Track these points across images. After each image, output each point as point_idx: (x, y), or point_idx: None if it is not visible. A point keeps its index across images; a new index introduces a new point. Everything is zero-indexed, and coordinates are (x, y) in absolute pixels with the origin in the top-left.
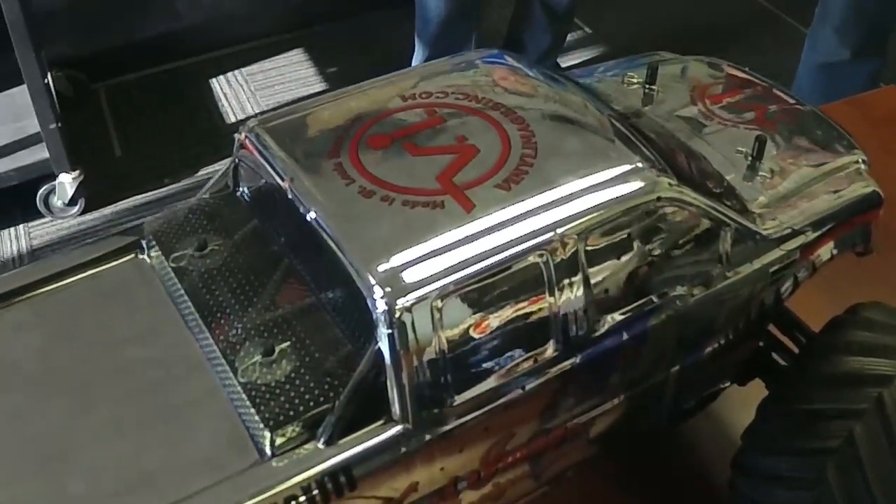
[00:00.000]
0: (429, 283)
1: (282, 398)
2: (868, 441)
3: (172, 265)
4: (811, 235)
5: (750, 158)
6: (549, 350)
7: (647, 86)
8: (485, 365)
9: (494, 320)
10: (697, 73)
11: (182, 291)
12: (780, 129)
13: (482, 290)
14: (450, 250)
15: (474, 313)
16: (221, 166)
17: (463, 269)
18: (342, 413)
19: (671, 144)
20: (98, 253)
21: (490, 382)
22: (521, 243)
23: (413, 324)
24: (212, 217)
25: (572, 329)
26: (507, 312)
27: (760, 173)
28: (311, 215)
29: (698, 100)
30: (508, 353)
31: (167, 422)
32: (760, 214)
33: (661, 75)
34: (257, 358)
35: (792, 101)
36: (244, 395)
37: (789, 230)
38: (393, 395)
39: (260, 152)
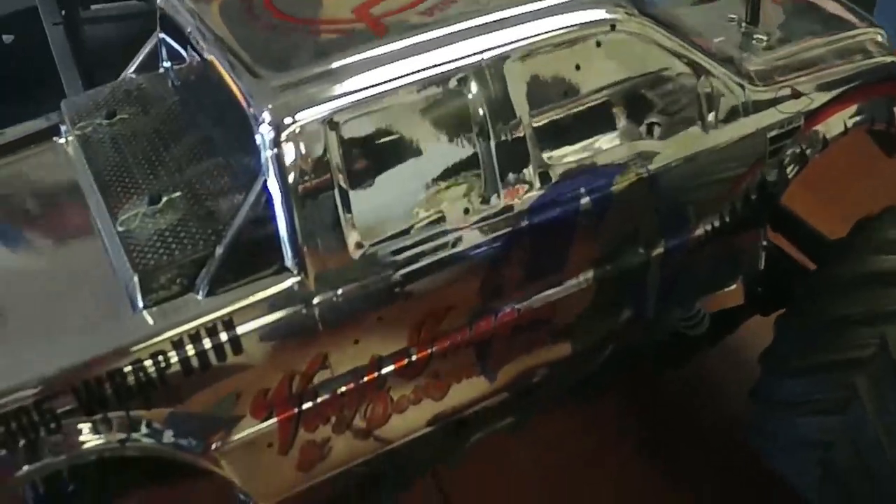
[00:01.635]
0: (323, 103)
1: (158, 246)
2: None
3: (77, 133)
4: (816, 100)
5: (743, 24)
6: (481, 196)
7: None
8: (396, 210)
9: (408, 154)
10: None
11: (84, 160)
12: (785, 2)
13: (390, 117)
14: (352, 73)
15: (382, 145)
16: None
17: (365, 92)
18: (224, 259)
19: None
20: (14, 137)
21: (407, 231)
22: (440, 66)
23: (304, 148)
24: (130, 92)
25: (510, 173)
26: (425, 145)
27: (756, 37)
28: (208, 52)
29: None
30: (429, 197)
31: (50, 284)
32: (753, 74)
33: None
34: (141, 209)
35: None
36: (120, 245)
37: (788, 91)
38: (283, 238)
39: (171, 8)
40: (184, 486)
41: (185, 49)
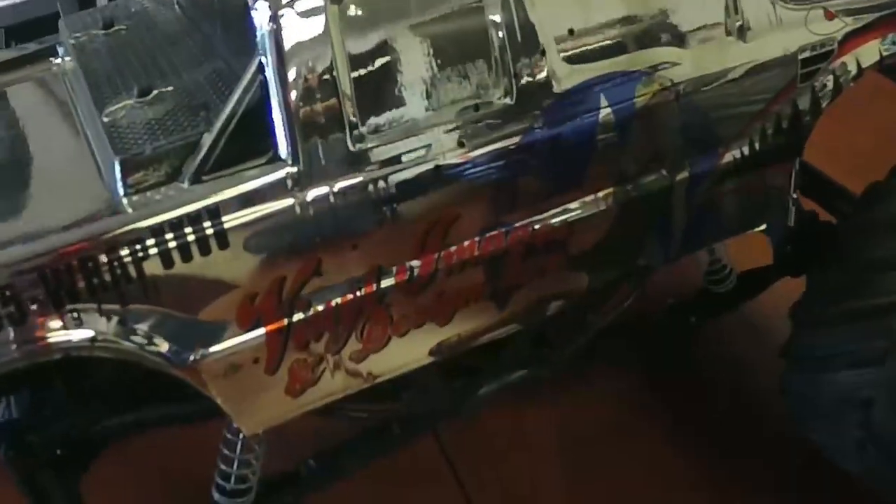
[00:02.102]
0: None
1: (143, 133)
2: None
3: (72, 41)
4: (850, 24)
5: None
6: (496, 94)
7: None
8: (406, 99)
9: (416, 40)
10: None
11: (77, 65)
12: None
13: (400, 2)
14: None
15: (387, 26)
16: None
17: None
18: (213, 145)
19: None
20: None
21: (413, 124)
22: None
23: (303, 22)
24: (130, 7)
25: (525, 73)
26: (434, 38)
27: None
28: None
29: None
30: (439, 92)
31: (29, 177)
32: None
33: None
34: (129, 101)
35: None
36: (104, 135)
37: (821, 12)
38: (277, 124)
39: None
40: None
41: None
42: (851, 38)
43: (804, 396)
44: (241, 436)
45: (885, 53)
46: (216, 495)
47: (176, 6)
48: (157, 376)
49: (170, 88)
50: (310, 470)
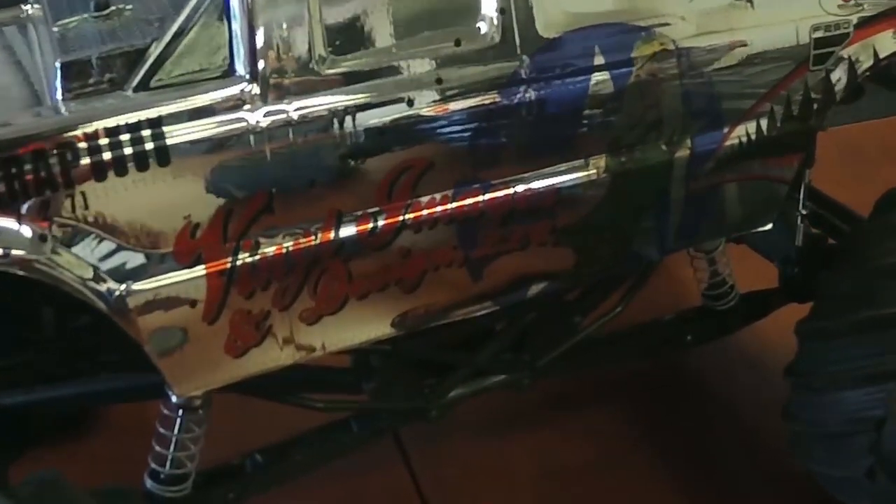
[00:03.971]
0: None
1: (91, 42)
2: None
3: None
4: (868, 8)
5: None
6: (480, 28)
7: None
8: (380, 24)
9: None
10: None
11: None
12: None
13: None
14: None
15: None
16: None
17: None
18: (163, 52)
19: None
20: None
21: (385, 55)
22: None
23: None
24: None
25: (515, 7)
26: None
27: None
28: None
29: None
30: (417, 18)
31: None
32: None
33: None
34: (84, 15)
35: None
36: (54, 46)
37: None
38: (236, 34)
39: None
40: None
41: None
42: (868, 24)
43: (809, 420)
44: (180, 412)
45: None
46: (148, 482)
47: None
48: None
49: (129, 7)
50: (255, 464)
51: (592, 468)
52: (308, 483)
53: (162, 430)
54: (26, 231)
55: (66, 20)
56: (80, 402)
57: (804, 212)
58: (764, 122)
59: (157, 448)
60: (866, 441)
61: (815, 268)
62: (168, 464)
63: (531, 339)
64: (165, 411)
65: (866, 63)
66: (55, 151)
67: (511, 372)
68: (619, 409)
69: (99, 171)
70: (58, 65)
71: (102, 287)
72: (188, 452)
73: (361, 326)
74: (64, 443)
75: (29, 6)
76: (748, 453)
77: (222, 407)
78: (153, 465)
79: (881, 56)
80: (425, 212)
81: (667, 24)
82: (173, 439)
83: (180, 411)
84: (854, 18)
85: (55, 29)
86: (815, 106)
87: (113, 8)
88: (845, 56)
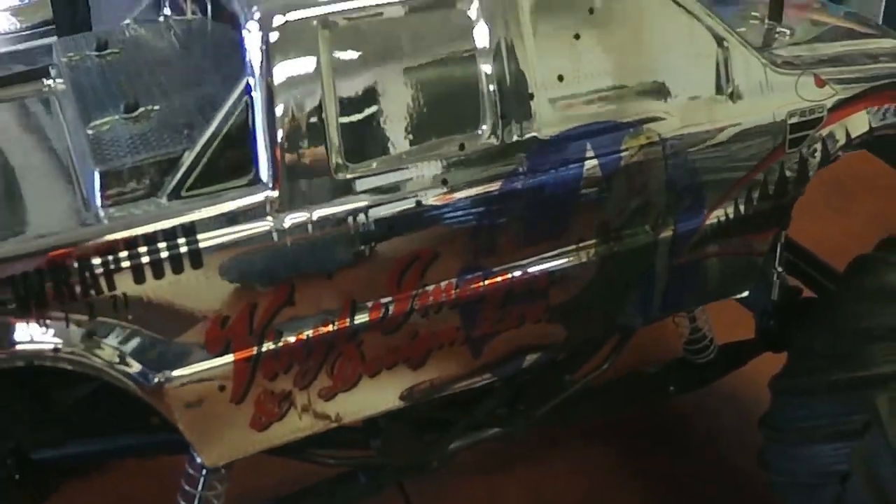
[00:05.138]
0: (315, 6)
1: (126, 147)
2: None
3: (64, 60)
4: (841, 93)
5: (766, 21)
6: (483, 134)
7: None
8: (391, 135)
9: (406, 75)
10: None
11: (69, 84)
12: (813, 13)
13: (391, 31)
14: None
15: (380, 60)
16: None
17: None
18: (193, 161)
19: None
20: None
21: (397, 161)
22: None
23: (293, 48)
24: (124, 33)
25: (514, 117)
26: (425, 69)
27: (779, 30)
28: None
29: None
30: (425, 127)
31: (9, 185)
32: (776, 59)
33: None
34: (115, 116)
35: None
36: (87, 148)
37: (812, 79)
38: (260, 146)
39: None
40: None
41: (185, 1)
42: (841, 107)
43: (782, 469)
44: (203, 471)
45: (874, 125)
46: None
47: (171, 32)
48: (120, 405)
49: (156, 107)
50: None
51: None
52: None
53: (187, 487)
54: (74, 330)
55: (99, 121)
56: (109, 457)
57: (780, 269)
58: (742, 203)
59: (182, 503)
60: (833, 492)
61: (791, 321)
62: None
63: (524, 396)
64: (190, 470)
65: (840, 142)
66: (99, 258)
67: (506, 425)
68: (607, 447)
69: (138, 275)
70: (97, 174)
71: (140, 376)
72: None
73: (373, 400)
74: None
75: (51, 80)
76: (731, 489)
77: (241, 460)
78: None
79: (853, 136)
80: (431, 298)
81: (652, 120)
82: (197, 496)
83: (204, 471)
84: (828, 102)
85: (90, 132)
86: (790, 184)
87: (142, 109)
88: (819, 137)
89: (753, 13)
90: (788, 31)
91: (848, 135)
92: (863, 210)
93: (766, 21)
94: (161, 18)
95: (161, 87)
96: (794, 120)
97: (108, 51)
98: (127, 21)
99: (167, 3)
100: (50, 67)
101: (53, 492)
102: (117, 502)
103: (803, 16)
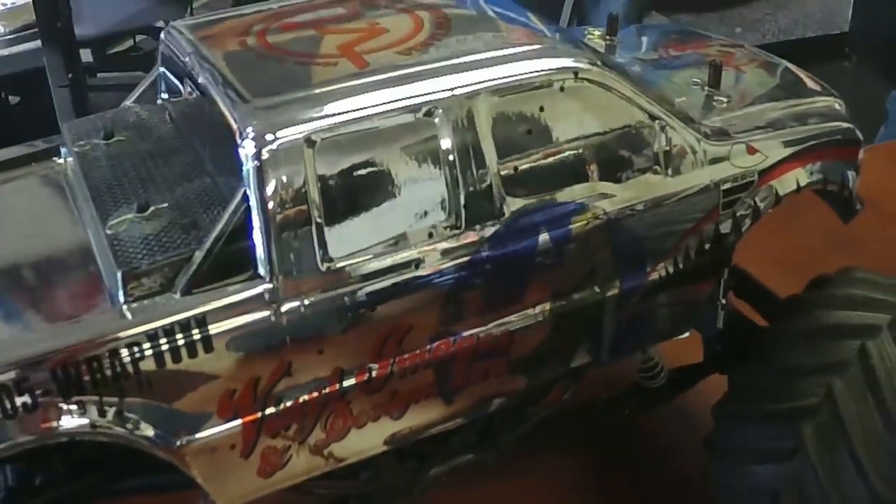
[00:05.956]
0: (302, 124)
1: (142, 248)
2: (850, 396)
3: (76, 150)
4: (770, 158)
5: (706, 88)
6: (446, 223)
7: (608, 37)
8: (366, 229)
9: (380, 180)
10: (662, 32)
11: (80, 173)
12: (749, 72)
13: (365, 142)
14: (332, 99)
15: (356, 167)
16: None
17: (342, 115)
18: (202, 262)
19: (612, 62)
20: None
21: (373, 250)
22: (412, 98)
23: (282, 165)
24: (128, 118)
25: (475, 204)
26: (395, 171)
27: (716, 98)
28: (202, 78)
29: (661, 48)
30: (395, 222)
31: (37, 281)
32: (711, 132)
33: (624, 33)
34: (129, 216)
35: (766, 56)
36: (108, 247)
37: (743, 147)
38: (258, 246)
39: (171, 43)
40: None
41: (182, 83)
42: (770, 170)
43: (723, 485)
44: None
45: (802, 183)
46: None
47: (169, 117)
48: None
49: (164, 205)
50: None
51: None
52: None
53: None
54: (108, 409)
55: (116, 220)
56: (132, 493)
57: (723, 301)
58: (680, 260)
59: None
60: None
61: (734, 346)
62: None
63: (493, 427)
64: None
65: (769, 202)
66: (126, 349)
67: (478, 453)
68: (573, 464)
69: (160, 361)
70: (119, 275)
71: (164, 441)
72: None
73: (360, 446)
74: None
75: (61, 160)
76: (683, 499)
77: None
78: None
79: (782, 194)
80: (409, 362)
81: (598, 198)
82: None
83: None
84: (759, 167)
85: (109, 231)
86: (724, 241)
87: (153, 208)
88: (750, 199)
89: (695, 79)
90: (725, 100)
91: (777, 194)
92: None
93: (706, 88)
94: (159, 101)
95: (165, 179)
96: (728, 186)
97: (115, 139)
98: (127, 103)
99: (164, 87)
100: (60, 146)
101: None
102: None
103: (744, 71)
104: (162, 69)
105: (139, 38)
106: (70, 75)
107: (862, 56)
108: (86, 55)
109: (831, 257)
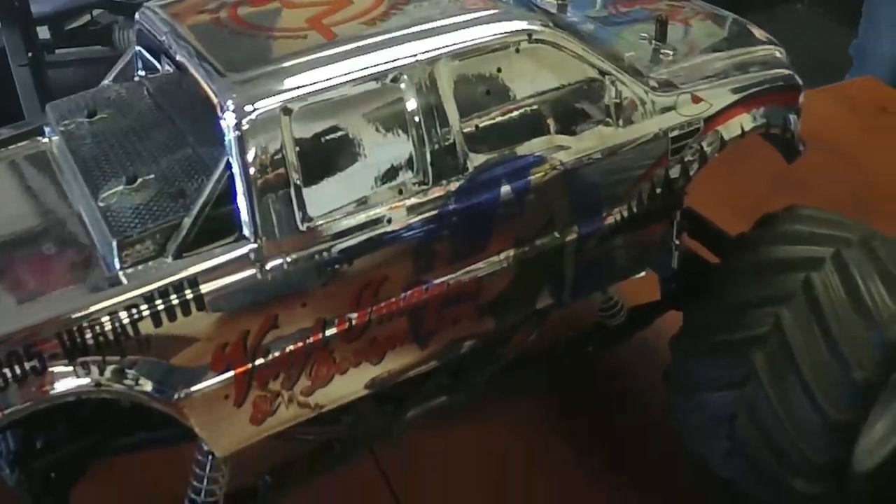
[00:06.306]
0: (278, 95)
1: (134, 217)
2: (797, 325)
3: (61, 129)
4: (715, 106)
5: (653, 42)
6: (414, 180)
7: None
8: (341, 189)
9: (351, 141)
10: None
11: (67, 151)
12: (695, 25)
13: (337, 108)
14: (305, 70)
15: (328, 132)
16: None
17: (315, 85)
18: (191, 227)
19: (564, 22)
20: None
21: (348, 209)
22: (379, 66)
23: (261, 133)
24: (108, 97)
25: (440, 161)
26: (365, 135)
27: (663, 51)
28: (180, 55)
29: (610, 5)
30: (367, 181)
31: (34, 253)
32: (658, 84)
33: None
34: (119, 188)
35: (711, 9)
36: (100, 218)
37: (689, 97)
38: (242, 210)
39: (147, 22)
40: None
41: (159, 60)
42: (715, 117)
43: (683, 414)
44: (209, 457)
45: (746, 128)
46: None
47: (148, 93)
48: (140, 409)
49: (151, 176)
50: (266, 484)
51: (516, 451)
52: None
53: (197, 470)
54: (110, 368)
55: (106, 193)
56: (135, 448)
57: (677, 242)
58: (634, 205)
59: (194, 483)
60: (724, 431)
61: (689, 284)
62: (202, 494)
63: (464, 370)
64: (199, 457)
65: (715, 147)
66: (125, 312)
67: (451, 395)
68: (539, 406)
69: (156, 321)
70: (115, 244)
71: (163, 395)
72: (217, 485)
73: (343, 391)
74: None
75: (46, 139)
76: (646, 433)
77: None
78: (191, 495)
79: (727, 139)
80: (385, 310)
81: (555, 150)
82: (205, 476)
83: (210, 456)
84: (704, 115)
85: (101, 204)
86: (674, 185)
87: (140, 180)
88: (697, 145)
89: (642, 34)
90: (672, 52)
91: (722, 139)
92: (763, 166)
93: (653, 42)
94: (136, 78)
95: (150, 151)
96: (675, 133)
97: (98, 116)
98: (105, 82)
99: (140, 65)
100: (44, 126)
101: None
102: (129, 489)
103: (690, 25)
104: (138, 48)
105: (96, 12)
106: (30, 54)
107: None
108: (43, 32)
109: (779, 197)
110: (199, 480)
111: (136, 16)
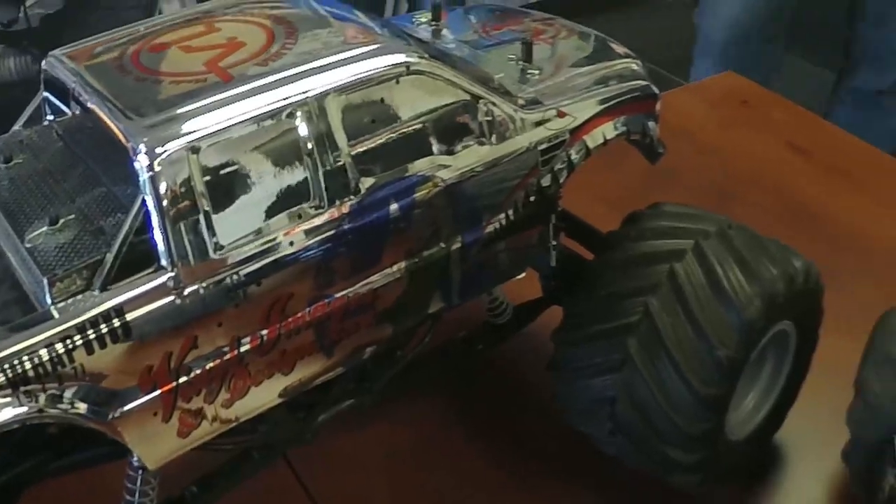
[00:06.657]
0: (185, 136)
1: (60, 255)
2: (664, 311)
3: None
4: (579, 118)
5: (520, 62)
6: (311, 205)
7: (434, 22)
8: (247, 218)
9: (253, 175)
10: (482, 12)
11: None
12: (558, 44)
13: (238, 144)
14: (208, 111)
15: (232, 167)
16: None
17: (218, 125)
18: (113, 262)
19: (436, 53)
20: None
21: (254, 235)
22: (275, 104)
23: (172, 173)
24: (21, 141)
25: (334, 186)
26: (266, 166)
27: (529, 71)
28: (91, 102)
29: (481, 28)
30: (270, 208)
31: None
32: (526, 102)
33: (451, 15)
34: (43, 228)
35: (574, 27)
36: (28, 258)
37: (555, 112)
38: (159, 242)
39: (54, 70)
40: None
41: (68, 105)
42: (579, 129)
43: (569, 399)
44: (140, 471)
45: (608, 137)
46: None
47: (59, 136)
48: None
49: (72, 216)
50: (192, 494)
51: (419, 446)
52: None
53: (129, 485)
54: (49, 393)
55: (32, 235)
56: (73, 469)
57: (554, 242)
58: (511, 213)
59: (127, 497)
60: (606, 412)
61: (568, 279)
62: None
63: (368, 374)
64: (130, 472)
65: (580, 156)
66: (61, 344)
67: (357, 398)
68: (435, 401)
69: (89, 349)
70: (45, 281)
71: (98, 416)
72: (148, 497)
73: (259, 401)
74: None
75: None
76: (535, 419)
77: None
78: None
79: (591, 148)
80: (292, 325)
81: (437, 169)
82: (137, 490)
83: (141, 470)
84: (569, 128)
85: (28, 245)
86: (546, 193)
87: (62, 221)
88: (565, 155)
89: (510, 55)
90: (538, 71)
91: (587, 148)
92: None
93: (520, 62)
94: (45, 123)
95: (67, 193)
96: (544, 146)
97: (14, 161)
98: (16, 128)
99: (48, 110)
100: None
101: None
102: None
103: (554, 44)
104: (46, 94)
105: None
106: None
107: None
108: None
109: (652, 190)
110: (132, 494)
111: (43, 64)
